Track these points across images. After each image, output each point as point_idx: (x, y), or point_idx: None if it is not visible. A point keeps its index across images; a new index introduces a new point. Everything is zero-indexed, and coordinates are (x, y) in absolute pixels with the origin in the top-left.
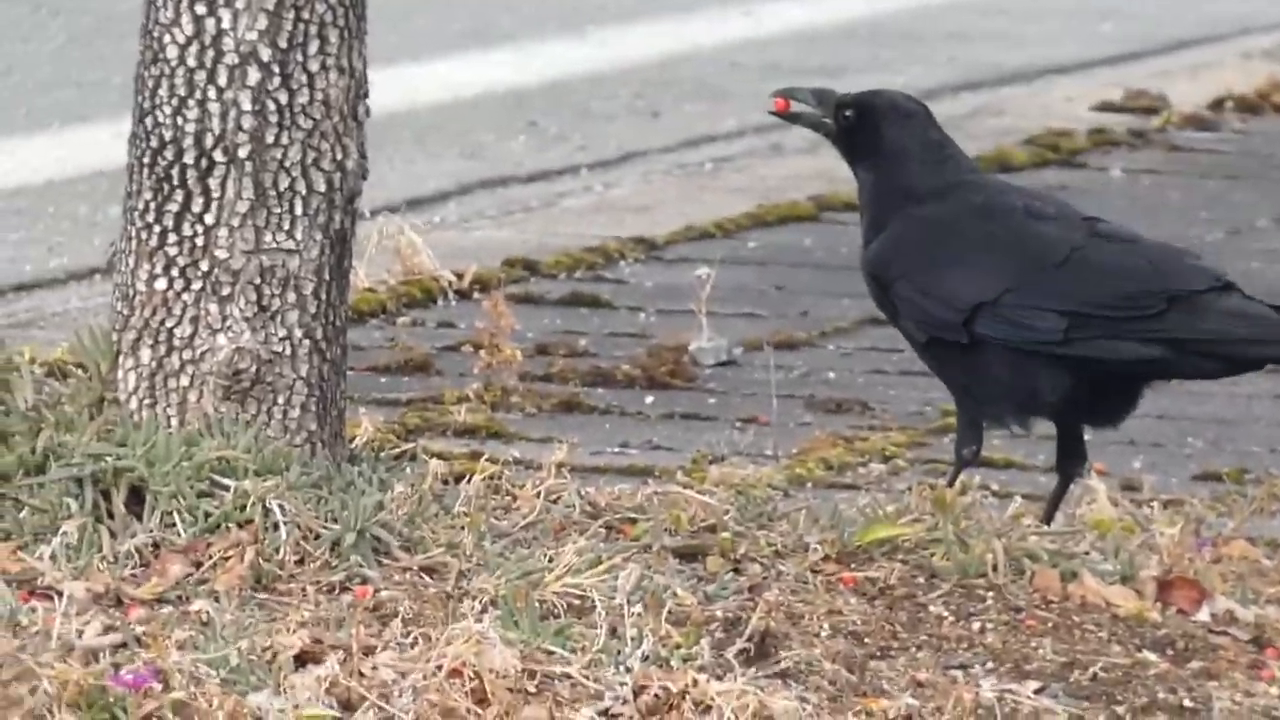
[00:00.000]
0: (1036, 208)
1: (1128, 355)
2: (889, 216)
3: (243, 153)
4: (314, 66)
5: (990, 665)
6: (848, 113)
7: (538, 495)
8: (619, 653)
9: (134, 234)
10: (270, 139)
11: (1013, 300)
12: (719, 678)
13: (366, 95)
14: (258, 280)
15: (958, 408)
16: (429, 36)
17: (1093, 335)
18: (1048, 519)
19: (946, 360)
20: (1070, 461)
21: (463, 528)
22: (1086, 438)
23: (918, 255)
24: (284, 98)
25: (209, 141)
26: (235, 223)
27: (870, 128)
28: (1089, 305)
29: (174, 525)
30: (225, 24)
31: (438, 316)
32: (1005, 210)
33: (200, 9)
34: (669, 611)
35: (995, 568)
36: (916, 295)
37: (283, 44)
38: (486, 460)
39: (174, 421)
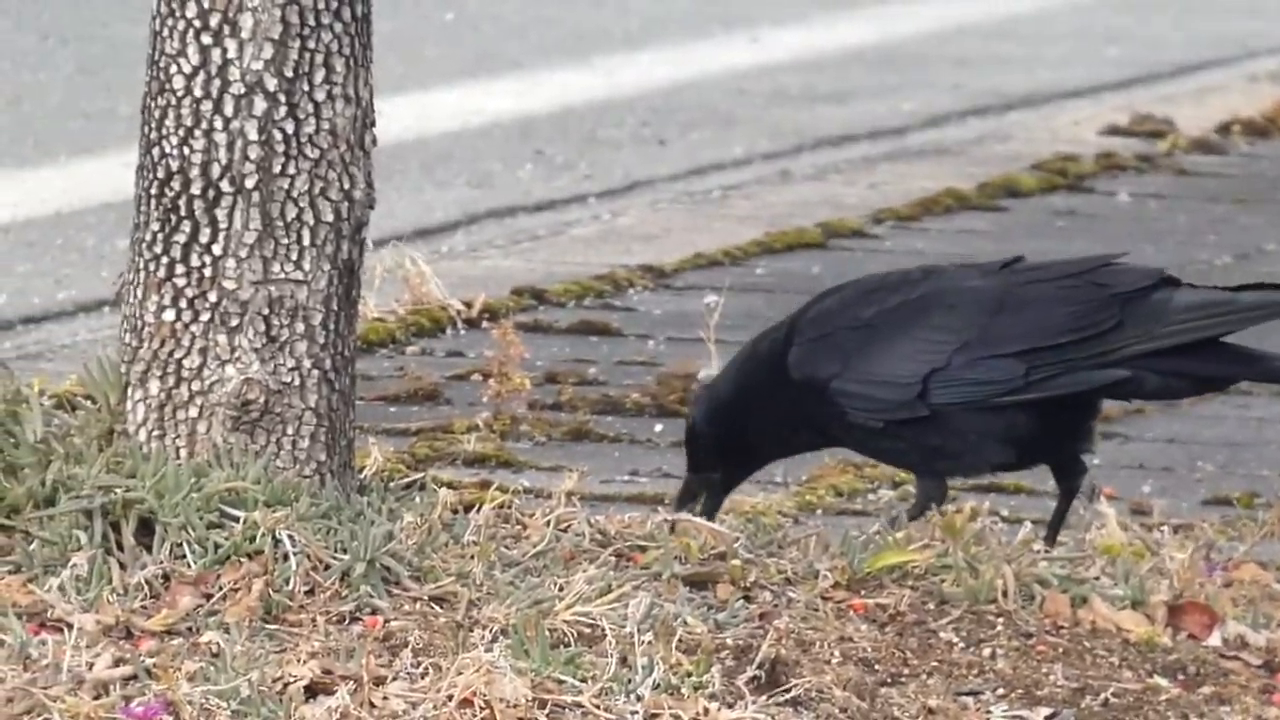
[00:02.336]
0: (927, 268)
1: (1093, 383)
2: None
3: (249, 183)
4: (320, 96)
5: (1001, 691)
6: (699, 444)
7: (547, 524)
8: (630, 681)
9: (142, 265)
10: (277, 169)
11: (963, 358)
12: (730, 706)
13: (373, 124)
14: (266, 311)
15: (916, 476)
16: (437, 65)
17: (1053, 372)
18: (1051, 537)
19: (903, 440)
20: (1069, 476)
21: (472, 557)
22: (1093, 461)
23: (845, 347)
24: (290, 127)
25: (216, 172)
26: (243, 253)
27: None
28: (1044, 339)
29: (184, 557)
30: (231, 54)
31: (446, 346)
32: (901, 282)
33: (206, 39)
34: (679, 639)
35: (1005, 593)
36: (858, 386)
37: (289, 73)
38: (496, 489)
39: (183, 453)
